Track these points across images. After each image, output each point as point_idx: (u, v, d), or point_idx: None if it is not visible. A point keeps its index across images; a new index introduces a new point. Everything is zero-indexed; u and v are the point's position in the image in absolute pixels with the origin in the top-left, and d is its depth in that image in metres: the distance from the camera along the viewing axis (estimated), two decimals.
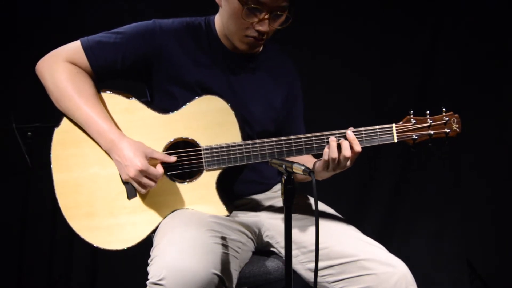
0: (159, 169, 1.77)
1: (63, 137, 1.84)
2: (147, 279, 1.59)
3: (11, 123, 2.66)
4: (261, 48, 1.96)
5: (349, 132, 1.75)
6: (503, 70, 3.16)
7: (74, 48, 1.84)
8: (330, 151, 1.74)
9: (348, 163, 1.76)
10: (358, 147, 1.74)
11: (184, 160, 1.84)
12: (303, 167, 1.43)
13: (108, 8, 2.93)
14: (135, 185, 1.78)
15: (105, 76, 1.87)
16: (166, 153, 1.83)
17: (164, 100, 1.89)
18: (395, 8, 3.20)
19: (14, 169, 2.89)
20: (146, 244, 1.79)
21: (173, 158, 1.80)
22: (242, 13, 1.77)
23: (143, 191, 1.79)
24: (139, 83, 1.95)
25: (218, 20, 1.91)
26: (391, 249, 1.80)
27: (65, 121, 1.85)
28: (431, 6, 3.20)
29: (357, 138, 1.76)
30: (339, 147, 1.75)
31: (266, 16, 1.78)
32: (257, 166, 1.93)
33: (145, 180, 1.75)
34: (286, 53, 2.08)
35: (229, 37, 1.86)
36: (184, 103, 1.85)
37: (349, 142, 1.74)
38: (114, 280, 3.07)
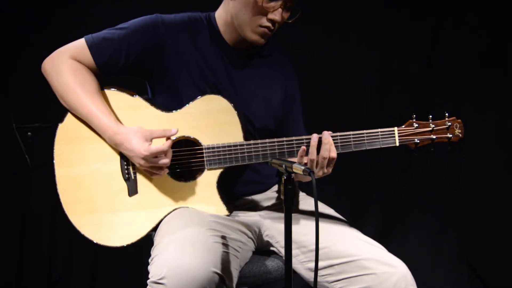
0: (164, 145, 1.74)
1: (67, 133, 1.85)
2: (148, 279, 1.59)
3: (11, 123, 2.66)
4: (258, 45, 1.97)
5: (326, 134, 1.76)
6: (503, 70, 3.16)
7: (79, 46, 1.85)
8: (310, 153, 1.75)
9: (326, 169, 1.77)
10: (333, 153, 1.75)
11: (185, 158, 1.84)
12: (303, 167, 1.43)
13: (108, 7, 2.93)
14: (151, 171, 1.77)
15: (110, 72, 1.87)
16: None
17: (166, 96, 1.90)
18: (395, 8, 3.20)
19: (14, 169, 2.89)
20: (147, 244, 1.79)
21: (173, 131, 1.78)
22: (264, 0, 1.79)
23: (162, 173, 1.78)
24: (142, 79, 1.96)
25: (222, 15, 1.92)
26: (391, 249, 1.80)
27: (69, 117, 1.85)
28: (431, 6, 3.20)
29: (359, 141, 1.77)
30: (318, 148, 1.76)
31: (282, 5, 1.81)
32: (257, 166, 1.94)
33: (155, 160, 1.74)
34: (284, 52, 2.09)
35: (241, 28, 1.86)
36: (187, 99, 1.85)
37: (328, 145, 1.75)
38: (114, 280, 3.06)
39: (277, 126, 2.01)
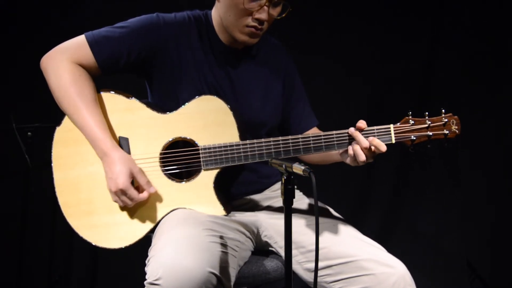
0: (141, 195, 1.77)
1: (64, 136, 1.85)
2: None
3: (11, 123, 2.66)
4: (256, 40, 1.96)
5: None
6: (503, 70, 3.16)
7: (79, 43, 1.83)
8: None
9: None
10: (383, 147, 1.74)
11: (182, 159, 1.85)
12: (303, 167, 1.43)
13: (108, 7, 2.93)
14: (116, 198, 1.79)
15: (110, 70, 1.86)
16: (164, 152, 1.84)
17: (165, 96, 1.89)
18: (395, 8, 3.19)
19: (14, 169, 2.90)
20: (147, 244, 1.79)
21: (152, 190, 1.79)
22: (245, 0, 1.77)
23: (121, 204, 1.80)
24: (142, 79, 1.96)
25: (215, 15, 1.92)
26: (390, 249, 1.79)
27: (66, 120, 1.86)
28: (431, 6, 3.20)
29: (355, 138, 1.76)
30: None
31: (266, 3, 1.79)
32: (254, 167, 1.94)
33: (123, 198, 1.77)
34: (276, 41, 2.08)
35: (229, 29, 1.86)
36: (183, 101, 1.85)
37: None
38: (114, 280, 3.06)
39: (282, 121, 2.02)
